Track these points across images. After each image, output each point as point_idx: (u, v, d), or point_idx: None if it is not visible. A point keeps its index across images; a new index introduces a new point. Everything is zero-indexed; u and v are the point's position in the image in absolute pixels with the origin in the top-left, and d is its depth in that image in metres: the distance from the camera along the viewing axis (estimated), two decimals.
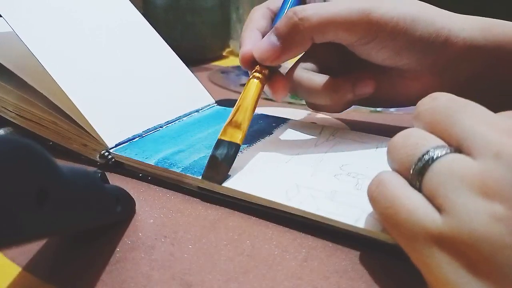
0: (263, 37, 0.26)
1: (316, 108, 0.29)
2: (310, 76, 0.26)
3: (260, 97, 0.25)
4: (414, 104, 0.21)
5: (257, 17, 0.28)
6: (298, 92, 0.27)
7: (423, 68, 0.26)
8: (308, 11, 0.23)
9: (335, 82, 0.26)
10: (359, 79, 0.26)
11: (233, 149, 0.22)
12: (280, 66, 0.27)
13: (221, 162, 0.22)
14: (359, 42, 0.24)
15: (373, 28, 0.23)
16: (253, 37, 0.26)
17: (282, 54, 0.24)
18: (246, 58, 0.25)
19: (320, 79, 0.26)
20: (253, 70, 0.25)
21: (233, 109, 0.24)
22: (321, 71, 0.27)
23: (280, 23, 0.24)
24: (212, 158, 0.22)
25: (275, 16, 0.28)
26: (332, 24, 0.23)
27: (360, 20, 0.23)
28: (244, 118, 0.23)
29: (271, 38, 0.24)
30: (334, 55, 0.28)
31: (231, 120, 0.23)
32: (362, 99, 0.27)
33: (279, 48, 0.24)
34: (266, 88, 0.26)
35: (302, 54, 0.28)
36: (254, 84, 0.24)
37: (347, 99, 0.26)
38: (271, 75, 0.25)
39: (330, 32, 0.24)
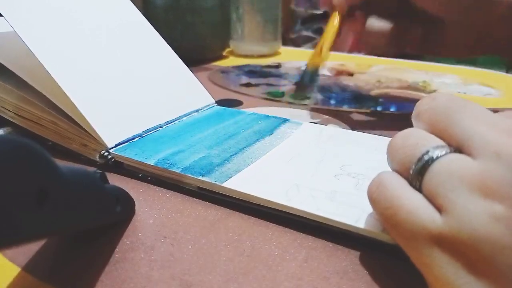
0: None
1: (374, 50, 0.38)
2: (372, 21, 0.32)
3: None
4: (460, 56, 0.32)
5: None
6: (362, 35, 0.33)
7: (469, 23, 0.29)
8: None
9: (390, 28, 0.32)
10: (408, 27, 0.32)
11: (316, 72, 0.31)
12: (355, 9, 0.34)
13: (306, 85, 0.31)
14: None
15: None
16: None
17: None
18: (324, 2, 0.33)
19: (379, 24, 0.32)
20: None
21: (319, 41, 0.32)
22: (382, 16, 0.33)
23: None
24: (299, 83, 0.31)
25: None
26: None
27: None
28: (324, 46, 0.32)
29: None
30: (393, 3, 0.33)
31: (316, 49, 0.32)
32: (415, 45, 0.33)
33: None
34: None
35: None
36: (334, 17, 0.32)
37: (398, 43, 0.33)
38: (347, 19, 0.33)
39: None
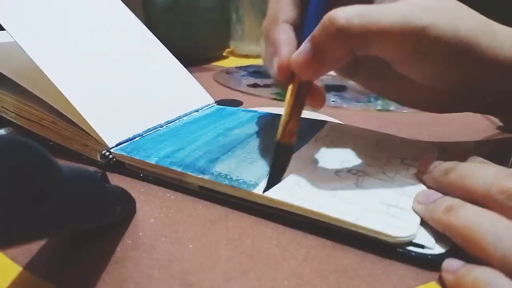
0: (296, 33, 0.22)
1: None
2: None
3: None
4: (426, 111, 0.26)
5: (285, 4, 0.23)
6: None
7: (461, 86, 0.22)
8: (350, 19, 0.18)
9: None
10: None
11: (287, 154, 0.22)
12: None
13: (284, 167, 0.22)
14: (405, 59, 0.20)
15: (424, 46, 0.19)
16: (287, 38, 0.22)
17: (320, 69, 0.20)
18: (283, 71, 0.21)
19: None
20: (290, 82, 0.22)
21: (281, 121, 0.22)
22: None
23: (316, 31, 0.19)
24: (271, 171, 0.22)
25: None
26: (381, 38, 0.19)
27: (413, 37, 0.19)
28: (294, 127, 0.22)
29: (307, 49, 0.20)
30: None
31: (284, 126, 0.22)
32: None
33: (315, 62, 0.20)
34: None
35: None
36: (294, 89, 0.22)
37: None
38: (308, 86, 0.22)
39: (375, 47, 0.19)
